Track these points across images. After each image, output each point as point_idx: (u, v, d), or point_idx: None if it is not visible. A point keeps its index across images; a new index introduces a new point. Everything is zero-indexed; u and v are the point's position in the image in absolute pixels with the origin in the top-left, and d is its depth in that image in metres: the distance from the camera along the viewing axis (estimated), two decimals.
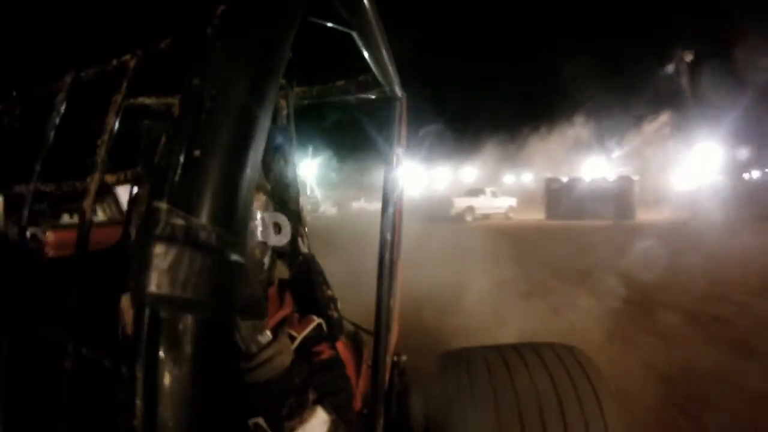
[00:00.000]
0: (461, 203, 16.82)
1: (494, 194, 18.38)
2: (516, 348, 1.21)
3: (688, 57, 15.71)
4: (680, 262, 5.07)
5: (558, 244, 6.91)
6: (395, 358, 1.20)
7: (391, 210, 1.05)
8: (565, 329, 2.79)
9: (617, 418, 1.03)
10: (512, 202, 18.63)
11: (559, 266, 4.80)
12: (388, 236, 1.04)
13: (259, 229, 0.73)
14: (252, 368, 0.62)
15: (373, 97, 1.03)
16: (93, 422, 0.41)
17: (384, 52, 0.75)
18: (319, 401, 0.71)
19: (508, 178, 30.47)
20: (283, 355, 0.66)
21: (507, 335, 2.51)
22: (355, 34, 0.65)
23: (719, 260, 5.07)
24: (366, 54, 0.72)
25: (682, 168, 17.69)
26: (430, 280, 3.49)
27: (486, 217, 16.76)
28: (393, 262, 1.05)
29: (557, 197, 16.03)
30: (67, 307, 0.35)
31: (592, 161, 23.07)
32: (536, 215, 15.84)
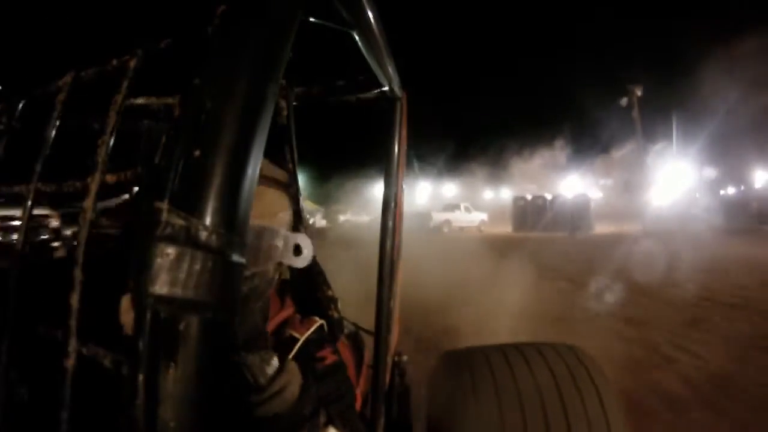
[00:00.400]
0: (439, 217, 19.66)
1: (468, 210, 21.38)
2: (518, 347, 1.21)
3: (638, 91, 18.41)
4: (592, 257, 8.25)
5: (510, 249, 9.60)
6: (395, 358, 1.20)
7: (391, 211, 1.05)
8: (491, 281, 5.45)
9: (620, 417, 1.03)
10: (484, 216, 21.58)
11: (505, 262, 7.27)
12: (389, 238, 1.04)
13: (280, 249, 0.71)
14: (262, 402, 0.60)
15: (373, 97, 1.03)
16: (93, 422, 0.41)
17: (384, 52, 0.75)
18: (325, 408, 0.71)
19: (488, 194, 33.24)
20: (293, 385, 0.64)
21: (469, 283, 5.31)
22: (355, 34, 0.65)
23: (621, 258, 7.75)
24: (366, 54, 0.72)
25: (656, 186, 19.68)
26: (422, 269, 5.16)
27: (461, 229, 19.77)
28: (393, 264, 1.05)
29: (522, 213, 18.68)
30: (67, 307, 0.35)
31: (570, 180, 26.86)
32: (505, 228, 18.63)
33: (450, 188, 34.73)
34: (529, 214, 18.31)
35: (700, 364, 3.01)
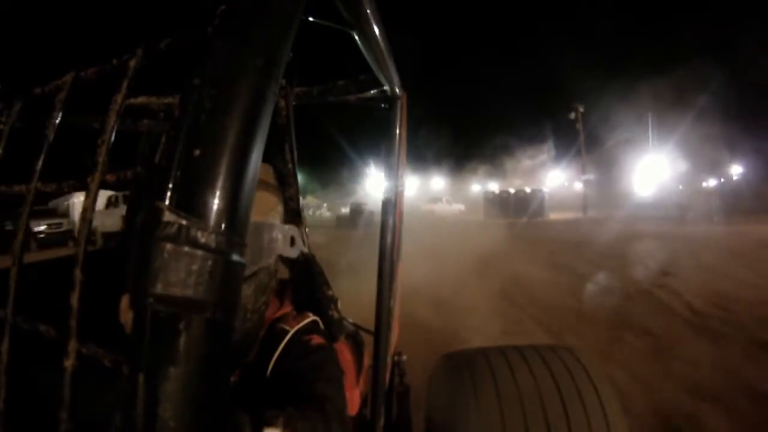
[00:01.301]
0: (425, 207, 25.64)
1: (449, 202, 27.72)
2: (518, 349, 1.21)
3: (581, 108, 25.53)
4: (523, 229, 13.48)
5: (489, 226, 14.20)
6: (395, 358, 1.20)
7: (391, 210, 1.05)
8: (456, 238, 10.62)
9: (620, 418, 1.03)
10: (462, 207, 27.42)
11: (484, 233, 11.58)
12: (389, 237, 1.04)
13: (280, 242, 0.75)
14: None
15: (374, 96, 1.03)
16: (93, 422, 0.41)
17: (384, 52, 0.75)
18: (307, 384, 0.69)
19: (476, 188, 36.50)
20: None
21: (450, 245, 9.18)
22: (355, 34, 0.65)
23: (537, 228, 13.30)
24: (366, 54, 0.72)
25: (630, 178, 25.36)
26: (416, 236, 8.90)
27: (442, 218, 23.33)
28: (393, 263, 1.05)
29: (491, 204, 23.25)
30: (67, 307, 0.35)
31: (553, 175, 31.97)
32: (479, 217, 22.49)
33: (438, 181, 37.55)
34: (497, 204, 22.58)
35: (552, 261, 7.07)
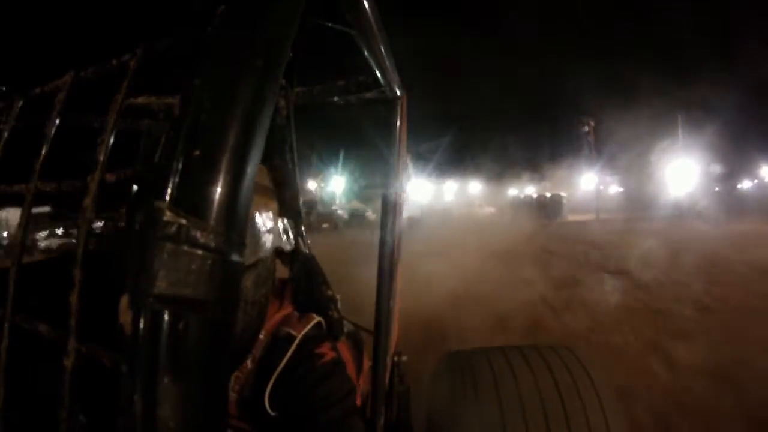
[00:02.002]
0: (460, 211, 28.39)
1: (480, 206, 30.84)
2: (519, 349, 1.21)
3: (591, 122, 28.76)
4: (541, 227, 15.82)
5: (510, 225, 15.86)
6: (395, 358, 1.20)
7: (391, 210, 1.05)
8: (485, 229, 13.92)
9: (618, 418, 1.03)
10: (492, 210, 29.84)
11: (503, 230, 13.46)
12: (389, 237, 1.04)
13: (276, 236, 0.76)
14: None
15: (374, 97, 1.03)
16: (93, 422, 0.41)
17: (384, 52, 0.75)
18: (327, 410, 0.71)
19: (512, 192, 37.66)
20: None
21: (472, 230, 13.00)
22: (355, 34, 0.65)
23: (551, 227, 15.93)
24: (366, 54, 0.72)
25: (660, 181, 26.82)
26: (460, 227, 14.54)
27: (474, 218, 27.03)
28: (393, 263, 1.05)
29: (518, 207, 26.28)
30: (67, 307, 0.35)
31: (587, 178, 33.59)
32: (505, 218, 24.84)
33: (475, 186, 39.30)
34: (523, 207, 25.54)
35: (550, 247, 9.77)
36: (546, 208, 23.91)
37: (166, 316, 0.27)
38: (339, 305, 0.95)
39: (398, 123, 1.05)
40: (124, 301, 0.28)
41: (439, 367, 1.33)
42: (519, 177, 36.96)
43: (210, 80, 0.31)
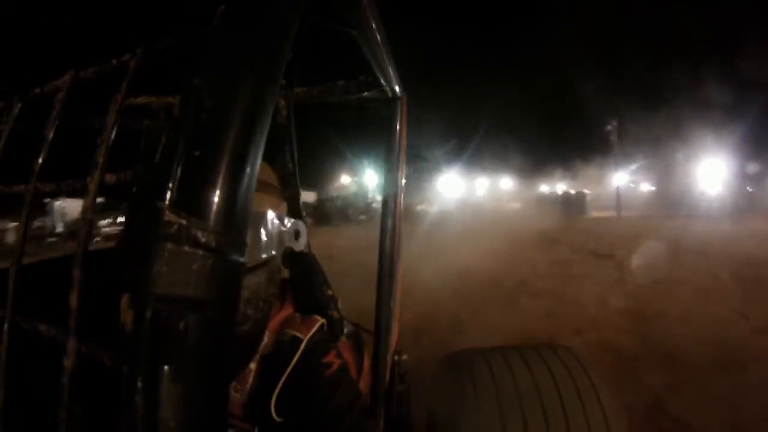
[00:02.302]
0: (489, 206, 28.91)
1: (508, 201, 31.40)
2: (518, 349, 1.21)
3: (614, 121, 28.33)
4: (569, 225, 13.95)
5: (531, 219, 15.50)
6: (396, 358, 1.20)
7: (391, 210, 1.05)
8: (514, 222, 14.49)
9: (618, 418, 1.03)
10: (518, 205, 29.83)
11: (522, 223, 13.68)
12: (388, 237, 1.04)
13: (287, 235, 0.76)
14: None
15: (374, 97, 1.03)
16: (93, 422, 0.41)
17: (384, 52, 0.75)
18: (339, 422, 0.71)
19: (543, 188, 38.23)
20: None
21: (495, 223, 14.10)
22: (355, 35, 0.65)
23: (582, 227, 13.76)
24: (366, 54, 0.72)
25: (696, 180, 25.74)
26: (488, 219, 15.45)
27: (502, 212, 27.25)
28: (393, 264, 1.05)
29: (543, 203, 26.83)
30: (67, 307, 0.35)
31: (618, 176, 32.23)
32: (530, 213, 24.82)
33: (506, 182, 39.53)
34: (548, 204, 26.01)
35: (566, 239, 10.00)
36: (569, 205, 24.28)
37: (166, 316, 0.27)
38: (339, 305, 0.95)
39: (398, 123, 1.05)
40: (125, 301, 0.28)
41: (438, 368, 1.33)
42: (549, 174, 37.22)
43: (210, 80, 0.31)
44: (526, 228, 11.94)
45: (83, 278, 0.35)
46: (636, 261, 6.40)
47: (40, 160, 0.44)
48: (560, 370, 1.11)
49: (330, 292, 0.94)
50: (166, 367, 0.27)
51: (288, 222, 0.78)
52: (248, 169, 0.31)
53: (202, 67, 0.31)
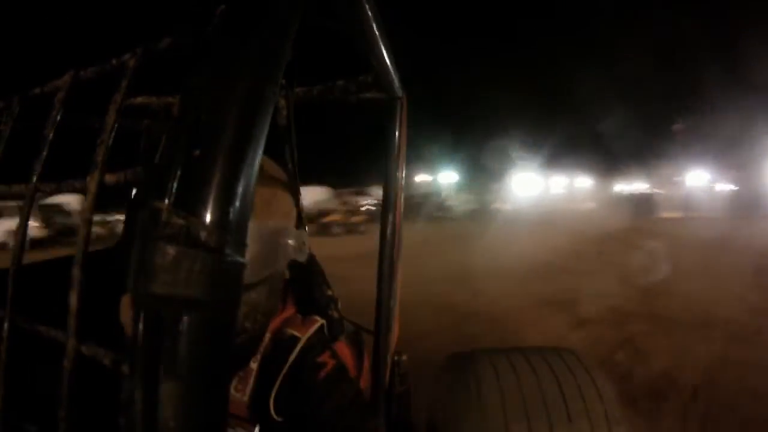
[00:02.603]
0: (563, 205, 29.55)
1: (582, 201, 32.43)
2: (522, 351, 1.21)
3: (681, 123, 30.93)
4: (633, 226, 14.98)
5: (599, 219, 16.47)
6: (396, 358, 1.20)
7: (391, 210, 1.05)
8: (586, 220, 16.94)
9: (622, 422, 1.03)
10: (592, 205, 31.35)
11: (589, 222, 14.98)
12: (389, 237, 1.04)
13: (293, 247, 0.75)
14: None
15: (374, 97, 1.02)
16: (93, 422, 0.41)
17: (384, 52, 0.75)
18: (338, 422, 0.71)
19: (617, 188, 38.55)
20: None
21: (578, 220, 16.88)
22: (355, 35, 0.65)
23: (645, 227, 14.85)
24: (366, 54, 0.72)
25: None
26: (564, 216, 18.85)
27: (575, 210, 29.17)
28: (393, 263, 1.05)
29: (617, 202, 27.33)
30: (67, 307, 0.35)
31: (696, 174, 33.82)
32: (604, 213, 26.36)
33: (583, 181, 39.87)
34: (622, 203, 26.89)
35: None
36: (639, 205, 25.02)
37: (166, 317, 0.27)
38: (339, 305, 0.95)
39: (398, 123, 1.05)
40: (125, 301, 0.28)
41: (441, 368, 1.32)
42: (625, 173, 37.20)
43: (210, 80, 0.31)
44: (590, 226, 13.13)
45: (83, 278, 0.35)
46: (667, 251, 7.69)
47: (39, 160, 0.44)
48: (564, 372, 1.11)
49: (330, 292, 0.94)
50: (165, 368, 0.27)
51: (295, 235, 0.77)
52: (248, 170, 0.31)
53: (202, 67, 0.31)
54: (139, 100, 1.12)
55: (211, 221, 0.28)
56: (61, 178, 0.43)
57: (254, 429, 0.75)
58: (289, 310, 0.86)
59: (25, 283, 0.42)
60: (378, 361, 1.00)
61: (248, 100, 0.31)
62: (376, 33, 0.66)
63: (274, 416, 0.73)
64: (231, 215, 0.29)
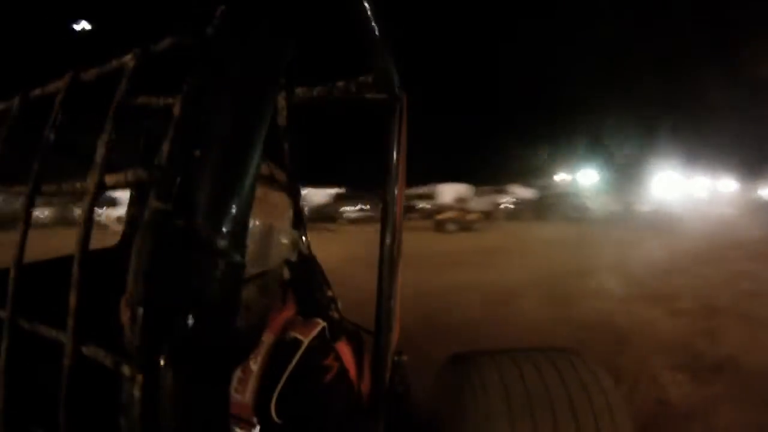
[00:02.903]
0: (704, 209, 25.27)
1: (718, 206, 27.39)
2: (526, 352, 1.20)
3: None
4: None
5: (732, 226, 13.79)
6: (395, 358, 1.20)
7: (391, 211, 1.04)
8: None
9: (629, 424, 1.03)
10: (733, 211, 26.78)
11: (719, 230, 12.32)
12: (388, 237, 1.04)
13: (288, 246, 0.76)
14: None
15: (374, 97, 1.02)
16: (93, 422, 0.41)
17: (384, 53, 0.75)
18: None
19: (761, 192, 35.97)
20: None
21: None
22: (355, 35, 0.65)
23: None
24: (366, 54, 0.72)
25: None
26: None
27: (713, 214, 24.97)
28: (393, 263, 1.05)
29: (759, 208, 24.35)
30: (67, 307, 0.35)
31: None
32: (743, 219, 22.99)
33: (727, 184, 37.33)
34: (759, 210, 24.55)
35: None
36: None
37: (166, 317, 0.27)
38: (339, 306, 0.95)
39: (398, 124, 1.05)
40: (125, 300, 0.28)
41: (443, 369, 1.32)
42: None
43: (210, 80, 0.31)
44: (720, 233, 11.43)
45: (83, 278, 0.35)
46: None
47: (40, 161, 0.44)
48: (570, 374, 1.10)
49: (330, 293, 0.94)
50: (165, 368, 0.27)
51: (288, 235, 0.77)
52: (248, 170, 0.31)
53: (202, 67, 0.31)
54: (139, 100, 1.12)
55: (211, 221, 0.28)
56: (61, 179, 0.43)
57: (254, 429, 0.75)
58: (290, 311, 0.86)
59: (26, 283, 0.42)
60: (378, 361, 1.00)
61: (248, 100, 0.31)
62: (376, 33, 0.67)
63: (275, 418, 0.73)
64: (231, 215, 0.29)
